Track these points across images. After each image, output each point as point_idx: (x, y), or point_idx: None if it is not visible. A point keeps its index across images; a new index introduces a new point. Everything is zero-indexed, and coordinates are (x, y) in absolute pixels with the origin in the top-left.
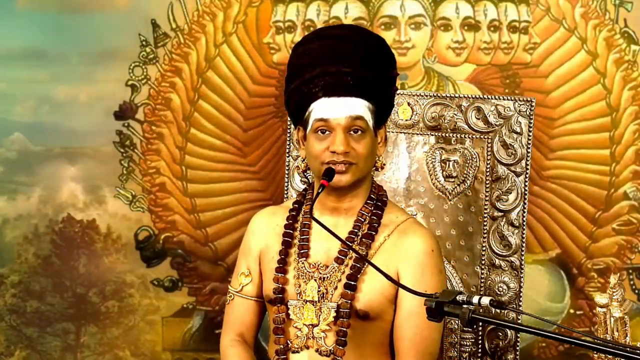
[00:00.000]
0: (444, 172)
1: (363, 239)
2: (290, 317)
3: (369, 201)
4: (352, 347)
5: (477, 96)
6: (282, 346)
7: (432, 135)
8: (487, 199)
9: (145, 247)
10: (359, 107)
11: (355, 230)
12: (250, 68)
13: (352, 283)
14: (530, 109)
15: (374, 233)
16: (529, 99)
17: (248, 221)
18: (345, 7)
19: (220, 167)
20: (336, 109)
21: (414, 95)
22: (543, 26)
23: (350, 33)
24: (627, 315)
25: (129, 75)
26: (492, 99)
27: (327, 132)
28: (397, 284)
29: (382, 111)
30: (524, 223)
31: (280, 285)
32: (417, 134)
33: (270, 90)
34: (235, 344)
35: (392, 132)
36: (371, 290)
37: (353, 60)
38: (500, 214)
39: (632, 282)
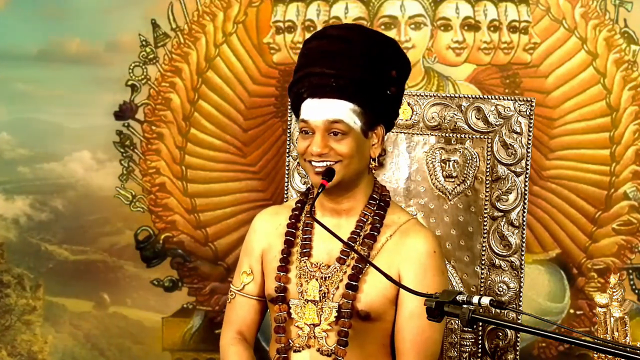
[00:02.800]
0: (444, 172)
1: (365, 240)
2: (292, 316)
3: (371, 201)
4: (353, 347)
5: (477, 96)
6: (283, 345)
7: (432, 135)
8: (487, 199)
9: (145, 247)
10: (339, 110)
11: (357, 231)
12: (250, 68)
13: (354, 283)
14: (530, 109)
15: (376, 234)
16: (529, 99)
17: (248, 221)
18: (345, 7)
19: (220, 167)
20: (316, 112)
21: (414, 95)
22: (543, 26)
23: (349, 33)
24: (627, 315)
25: (128, 75)
26: (492, 99)
27: (309, 132)
28: (398, 284)
29: (375, 112)
30: (524, 223)
31: (282, 284)
32: (417, 134)
33: (270, 90)
34: (235, 342)
35: (392, 132)
36: (372, 291)
37: (339, 61)
38: (500, 214)
39: (632, 282)
